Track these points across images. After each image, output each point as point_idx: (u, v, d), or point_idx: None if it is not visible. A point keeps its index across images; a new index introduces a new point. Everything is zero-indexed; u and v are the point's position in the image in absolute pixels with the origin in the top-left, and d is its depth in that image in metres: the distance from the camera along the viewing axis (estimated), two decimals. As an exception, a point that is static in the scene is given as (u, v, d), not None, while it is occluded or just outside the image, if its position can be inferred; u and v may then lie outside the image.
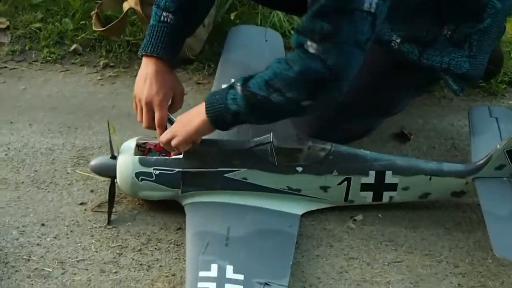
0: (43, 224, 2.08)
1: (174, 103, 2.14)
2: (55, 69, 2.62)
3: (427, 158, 2.27)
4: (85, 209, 2.13)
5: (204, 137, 2.04)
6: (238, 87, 1.89)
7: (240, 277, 1.82)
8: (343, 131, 2.23)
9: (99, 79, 2.63)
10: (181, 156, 2.04)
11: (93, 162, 2.13)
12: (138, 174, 2.05)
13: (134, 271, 1.94)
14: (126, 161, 2.06)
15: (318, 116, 2.14)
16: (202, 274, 1.82)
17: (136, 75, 2.17)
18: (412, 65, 2.11)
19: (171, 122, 2.08)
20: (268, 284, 1.81)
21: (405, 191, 2.07)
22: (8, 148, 2.32)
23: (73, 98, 2.56)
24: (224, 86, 2.01)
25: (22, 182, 2.21)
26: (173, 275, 1.92)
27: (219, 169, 2.04)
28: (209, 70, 2.68)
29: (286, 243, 1.96)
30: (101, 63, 2.64)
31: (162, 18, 2.11)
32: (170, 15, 2.10)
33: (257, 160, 2.04)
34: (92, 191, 2.18)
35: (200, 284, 1.79)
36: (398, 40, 2.09)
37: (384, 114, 2.28)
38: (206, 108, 1.94)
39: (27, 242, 2.02)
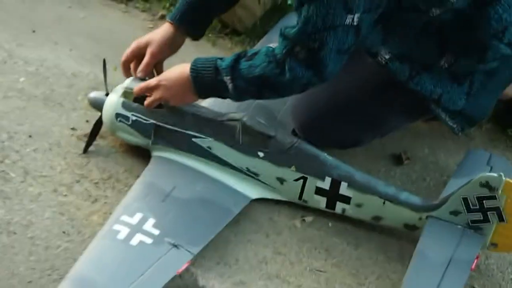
0: (30, 136, 2.24)
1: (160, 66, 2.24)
2: (118, 8, 2.78)
3: (412, 186, 2.21)
4: (72, 135, 2.27)
5: None
6: (227, 80, 1.95)
7: (156, 232, 1.88)
8: (334, 136, 2.23)
9: (150, 28, 2.74)
10: (159, 109, 2.14)
11: (91, 95, 2.27)
12: (117, 115, 2.16)
13: (81, 200, 2.07)
14: (112, 101, 2.18)
15: (315, 116, 2.18)
16: (123, 218, 1.91)
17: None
18: (402, 85, 2.06)
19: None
20: (176, 247, 1.87)
21: (358, 208, 2.03)
22: (42, 64, 2.51)
23: (118, 37, 2.66)
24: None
25: (35, 96, 2.39)
26: (111, 213, 2.00)
27: (189, 132, 2.10)
28: (252, 46, 2.71)
29: (220, 218, 2.00)
30: (159, 14, 2.76)
31: None
32: None
33: (224, 134, 2.09)
34: (87, 121, 2.30)
35: (115, 226, 1.88)
36: (387, 57, 2.04)
37: (371, 129, 2.22)
38: (194, 88, 2.01)
39: (9, 146, 2.19)
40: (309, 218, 2.10)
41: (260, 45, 2.53)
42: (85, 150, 2.22)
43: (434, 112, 2.09)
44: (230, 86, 1.95)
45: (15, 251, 1.92)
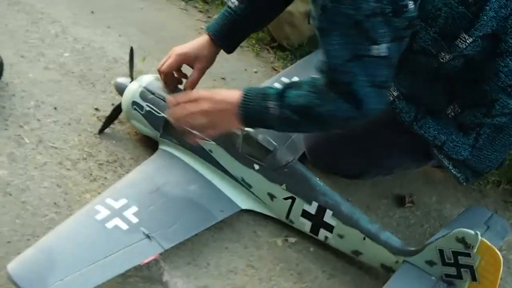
0: (55, 108, 2.34)
1: (192, 73, 2.22)
2: (177, 5, 2.84)
3: (407, 230, 2.16)
4: (94, 114, 2.35)
5: None
6: (275, 106, 1.90)
7: (134, 220, 1.91)
8: (339, 164, 2.21)
9: (202, 29, 2.77)
10: (172, 104, 2.18)
11: (117, 80, 2.34)
12: (133, 103, 2.21)
13: (81, 176, 2.13)
14: (131, 89, 2.23)
15: (322, 140, 2.17)
16: (107, 200, 1.95)
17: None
18: (406, 126, 2.01)
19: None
20: (149, 238, 1.89)
21: (340, 239, 1.99)
22: (89, 44, 2.61)
23: (168, 32, 2.71)
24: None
25: (72, 72, 2.49)
26: (103, 195, 2.08)
27: (195, 132, 2.13)
28: (292, 63, 2.70)
29: (201, 221, 2.00)
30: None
31: (230, 2, 2.20)
32: (236, 2, 2.18)
33: (226, 140, 2.10)
34: (112, 104, 2.36)
35: (97, 206, 1.92)
36: (395, 94, 2.00)
37: (374, 164, 2.18)
38: (240, 115, 1.94)
39: (33, 114, 2.30)
40: (291, 239, 2.08)
41: (298, 66, 2.56)
42: (100, 131, 2.29)
43: (436, 158, 2.04)
44: (276, 113, 1.90)
45: (5, 211, 2.00)
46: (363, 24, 1.73)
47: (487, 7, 1.84)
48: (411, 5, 1.74)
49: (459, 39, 1.87)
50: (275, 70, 2.65)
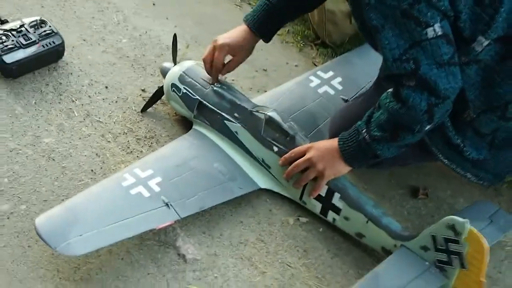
0: (106, 87, 2.48)
1: (230, 63, 2.30)
2: (232, 1, 2.93)
3: (417, 220, 2.19)
4: (140, 95, 2.47)
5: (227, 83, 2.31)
6: (366, 133, 1.96)
7: (157, 189, 2.03)
8: None
9: None
10: (206, 88, 2.29)
11: (162, 64, 2.46)
12: (173, 85, 2.33)
13: (119, 149, 2.27)
14: (173, 72, 2.35)
15: (345, 127, 2.21)
16: (135, 170, 2.07)
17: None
18: None
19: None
20: (168, 206, 2.01)
21: (346, 221, 2.05)
22: (146, 32, 2.74)
23: (221, 25, 2.73)
24: None
25: (127, 57, 2.63)
26: (136, 166, 2.20)
27: (223, 114, 2.22)
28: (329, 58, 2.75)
29: (219, 195, 2.10)
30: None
31: None
32: None
33: (251, 123, 2.18)
34: (159, 87, 2.50)
35: (125, 174, 2.05)
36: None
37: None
38: (343, 156, 2.02)
39: (85, 91, 2.45)
40: (303, 219, 2.15)
41: (336, 62, 2.62)
42: (143, 110, 2.42)
43: (455, 171, 2.08)
44: (369, 140, 1.96)
45: (46, 173, 2.16)
46: (410, 12, 1.79)
47: (502, 9, 1.87)
48: None
49: (476, 42, 1.89)
50: (315, 65, 2.70)
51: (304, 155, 2.07)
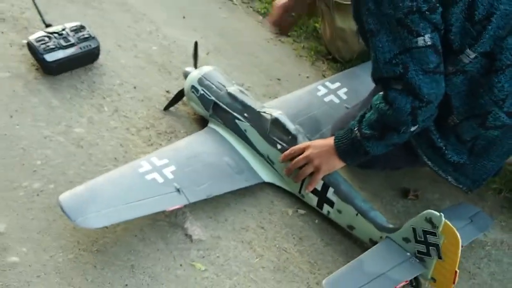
0: (135, 87, 2.61)
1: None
2: (254, 18, 3.04)
3: (406, 219, 2.21)
4: (164, 95, 2.60)
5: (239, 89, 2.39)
6: (358, 131, 2.06)
7: (170, 176, 2.14)
8: None
9: (271, 39, 2.96)
10: (221, 91, 2.39)
11: (185, 68, 2.57)
12: (192, 87, 2.45)
13: (141, 141, 2.39)
14: (193, 76, 2.46)
15: None
16: (152, 158, 2.19)
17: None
18: None
19: None
20: (179, 191, 2.10)
21: (339, 214, 2.13)
22: (174, 41, 2.87)
23: (241, 38, 2.91)
24: None
25: (156, 62, 2.75)
26: (154, 157, 2.31)
27: (234, 114, 2.33)
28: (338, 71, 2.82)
29: (226, 185, 2.20)
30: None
31: None
32: None
33: (258, 122, 2.28)
34: (181, 89, 2.60)
35: (142, 162, 2.17)
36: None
37: (384, 158, 2.22)
38: (337, 152, 2.11)
39: (116, 90, 2.58)
40: (301, 211, 2.23)
41: (343, 74, 2.71)
42: (166, 108, 2.54)
43: (437, 174, 2.15)
44: (360, 137, 2.05)
45: (74, 158, 2.29)
46: (404, 21, 1.89)
47: (489, 27, 1.94)
48: (439, 6, 1.89)
49: (463, 54, 1.98)
50: (325, 77, 2.78)
51: (302, 152, 2.16)
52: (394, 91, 1.94)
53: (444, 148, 2.09)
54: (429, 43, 1.91)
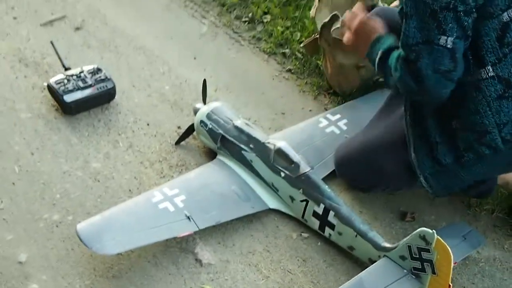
0: (148, 124, 2.71)
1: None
2: (261, 57, 3.10)
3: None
4: (176, 131, 2.69)
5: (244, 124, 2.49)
6: (380, 54, 2.15)
7: (181, 205, 2.24)
8: (358, 179, 2.45)
9: (276, 76, 3.03)
10: (228, 124, 2.48)
11: (195, 105, 2.66)
12: (201, 122, 2.54)
13: (154, 173, 2.50)
14: (202, 111, 2.56)
15: (348, 154, 2.44)
16: (164, 189, 2.30)
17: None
18: None
19: None
20: (189, 219, 2.20)
21: (339, 236, 2.20)
22: (185, 80, 2.93)
23: (248, 77, 3.00)
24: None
25: (168, 100, 2.83)
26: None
27: (241, 145, 2.42)
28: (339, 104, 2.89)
29: (234, 212, 2.30)
30: (287, 67, 3.06)
31: None
32: None
33: (263, 152, 2.37)
34: (191, 124, 2.66)
35: (155, 192, 2.28)
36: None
37: (386, 180, 2.38)
38: (368, 49, 2.20)
39: (130, 127, 2.69)
40: (305, 235, 2.31)
41: (343, 107, 2.81)
42: (177, 143, 2.63)
43: (414, 169, 2.23)
44: (377, 58, 2.15)
45: (91, 192, 2.40)
46: (437, 14, 1.96)
47: None
48: (474, 13, 1.97)
49: (484, 69, 2.05)
50: (326, 110, 2.83)
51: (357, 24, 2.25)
52: (402, 63, 2.04)
53: (436, 144, 2.17)
54: (449, 46, 1.97)
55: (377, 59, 2.15)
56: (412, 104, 2.22)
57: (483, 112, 2.07)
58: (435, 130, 2.16)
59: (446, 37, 1.96)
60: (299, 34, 3.21)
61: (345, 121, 2.67)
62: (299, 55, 3.12)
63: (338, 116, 2.69)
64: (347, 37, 2.28)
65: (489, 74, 2.04)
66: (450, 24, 1.96)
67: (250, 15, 3.36)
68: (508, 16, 2.00)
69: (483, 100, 2.07)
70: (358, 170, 2.41)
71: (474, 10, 1.97)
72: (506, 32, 2.01)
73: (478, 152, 2.12)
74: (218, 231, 2.28)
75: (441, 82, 2.02)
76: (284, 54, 3.15)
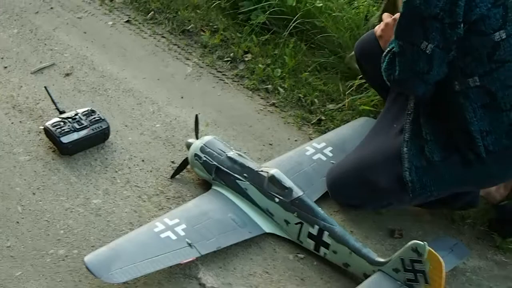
0: (143, 160, 2.77)
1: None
2: (246, 93, 3.19)
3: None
4: (170, 165, 2.75)
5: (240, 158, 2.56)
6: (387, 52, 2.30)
7: (182, 233, 2.30)
8: (350, 199, 2.54)
9: (261, 110, 3.13)
10: (221, 156, 2.56)
11: (187, 140, 2.74)
12: (195, 155, 2.61)
13: (152, 206, 2.55)
14: (195, 145, 2.63)
15: (340, 174, 2.53)
16: (165, 219, 2.36)
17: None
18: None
19: None
20: (191, 246, 2.26)
21: (334, 254, 2.27)
22: (175, 118, 3.01)
23: (234, 112, 3.09)
24: None
25: (160, 137, 2.90)
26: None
27: (235, 175, 2.49)
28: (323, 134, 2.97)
29: (233, 238, 2.36)
30: (271, 101, 3.17)
31: None
32: None
33: (257, 180, 2.45)
34: (185, 158, 2.73)
35: (157, 223, 2.33)
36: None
37: (378, 199, 2.45)
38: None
39: (126, 164, 2.75)
40: (301, 255, 2.37)
41: (327, 135, 2.89)
42: (172, 176, 2.70)
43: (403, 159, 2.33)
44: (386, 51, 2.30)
45: (94, 226, 2.44)
46: (425, 21, 2.08)
47: (502, 69, 2.14)
48: (461, 28, 2.07)
49: (472, 79, 2.16)
50: (311, 139, 2.92)
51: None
52: (392, 56, 2.22)
53: (427, 141, 2.27)
54: (428, 51, 2.11)
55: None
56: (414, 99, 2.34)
57: (469, 118, 2.19)
58: (428, 128, 2.27)
59: (427, 43, 2.10)
60: (279, 70, 3.31)
61: (330, 148, 2.76)
62: (281, 90, 3.23)
63: (323, 144, 2.78)
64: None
65: (476, 84, 2.16)
66: (434, 33, 2.09)
67: (231, 55, 3.48)
68: (500, 37, 2.11)
69: (469, 107, 2.18)
70: (352, 186, 2.48)
71: (460, 25, 2.07)
72: (496, 51, 2.12)
73: (464, 155, 2.23)
74: (219, 256, 2.34)
75: (414, 81, 2.18)
76: (267, 89, 3.25)
